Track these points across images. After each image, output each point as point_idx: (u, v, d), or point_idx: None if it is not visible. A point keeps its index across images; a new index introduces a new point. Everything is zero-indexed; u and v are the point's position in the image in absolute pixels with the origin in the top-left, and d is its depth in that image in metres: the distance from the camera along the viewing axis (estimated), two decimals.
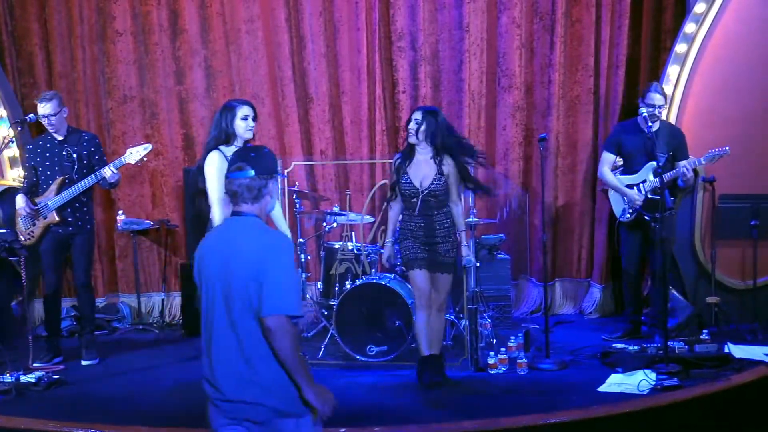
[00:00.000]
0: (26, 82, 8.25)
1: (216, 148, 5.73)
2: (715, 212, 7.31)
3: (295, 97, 8.27)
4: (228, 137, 5.78)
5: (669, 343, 6.17)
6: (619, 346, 6.70)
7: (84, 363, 6.89)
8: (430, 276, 6.02)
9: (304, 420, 3.50)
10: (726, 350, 6.32)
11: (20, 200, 6.78)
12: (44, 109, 6.76)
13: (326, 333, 7.02)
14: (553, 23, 8.20)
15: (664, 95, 7.11)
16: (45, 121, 6.81)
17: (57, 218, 6.76)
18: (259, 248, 3.46)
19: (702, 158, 6.98)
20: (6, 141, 7.13)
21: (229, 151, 5.87)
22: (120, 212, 8.10)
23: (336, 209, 7.52)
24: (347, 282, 6.98)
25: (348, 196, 8.01)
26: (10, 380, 6.09)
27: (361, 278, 6.93)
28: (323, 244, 7.37)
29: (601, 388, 5.91)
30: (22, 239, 6.79)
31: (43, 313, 7.28)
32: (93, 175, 6.75)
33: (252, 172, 3.55)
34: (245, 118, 5.75)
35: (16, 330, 7.36)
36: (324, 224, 7.47)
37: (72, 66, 8.25)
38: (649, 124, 6.96)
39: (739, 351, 6.37)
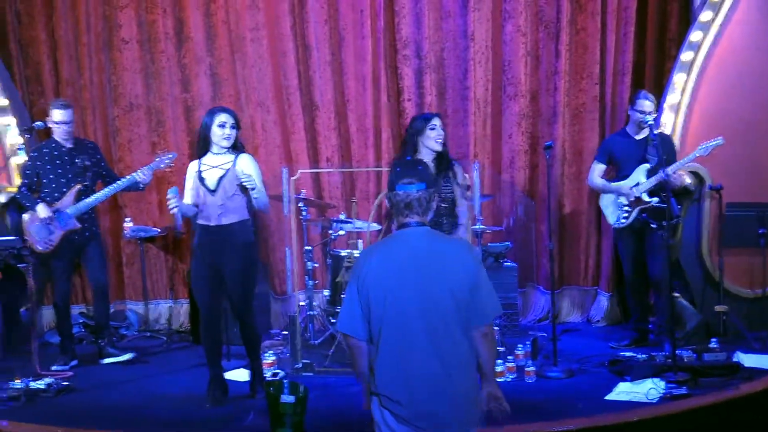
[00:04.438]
0: (34, 90, 8.25)
1: (198, 157, 5.91)
2: (722, 220, 7.30)
3: (301, 105, 8.25)
4: (206, 144, 5.85)
5: (677, 351, 6.17)
6: (627, 354, 6.71)
7: (105, 362, 7.04)
8: None
9: None
10: (735, 359, 6.32)
11: (43, 210, 6.73)
12: (64, 116, 6.82)
13: (333, 341, 7.01)
14: (558, 31, 8.19)
15: (653, 101, 7.10)
16: (63, 128, 6.86)
17: (79, 225, 6.80)
18: (464, 258, 3.57)
19: (696, 151, 6.98)
20: (14, 148, 7.15)
21: (207, 159, 5.91)
22: (127, 219, 8.07)
23: (342, 217, 7.54)
24: None
25: (354, 203, 8.00)
26: (19, 386, 6.12)
27: None
28: (330, 251, 7.37)
29: (609, 397, 5.91)
30: (40, 248, 6.79)
31: (56, 318, 7.31)
32: (123, 180, 6.87)
33: (423, 185, 3.63)
34: (222, 126, 5.80)
35: (24, 336, 7.36)
36: (330, 232, 7.47)
37: (79, 74, 8.25)
38: (644, 128, 6.95)
39: (748, 360, 6.38)
